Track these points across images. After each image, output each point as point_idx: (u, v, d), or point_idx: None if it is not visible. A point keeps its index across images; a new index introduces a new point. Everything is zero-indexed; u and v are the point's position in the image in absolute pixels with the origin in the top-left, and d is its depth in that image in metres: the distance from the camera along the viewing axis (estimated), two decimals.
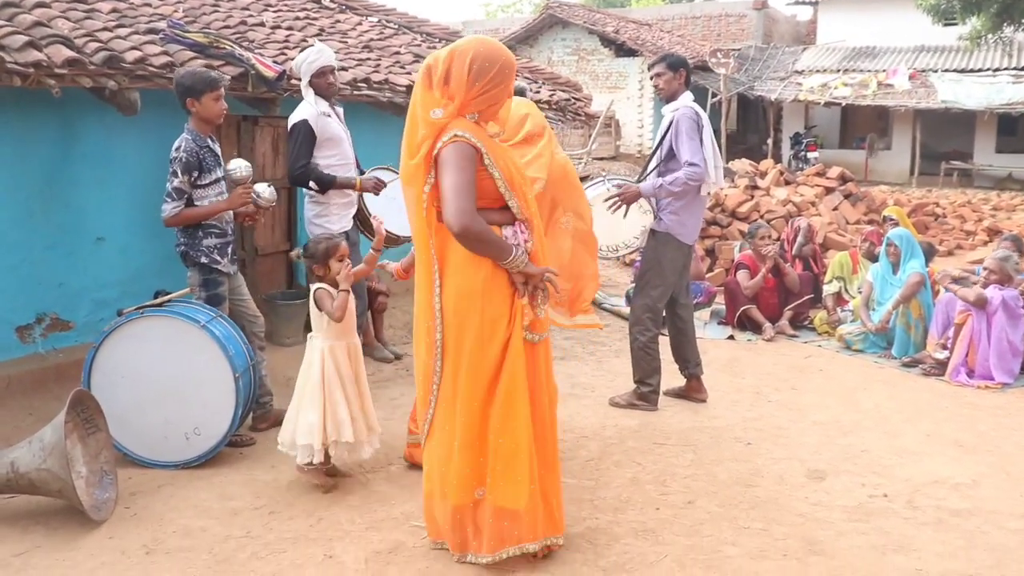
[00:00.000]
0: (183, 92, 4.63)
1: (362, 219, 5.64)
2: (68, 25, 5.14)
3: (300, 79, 5.39)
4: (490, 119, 3.41)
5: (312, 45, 5.59)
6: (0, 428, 4.69)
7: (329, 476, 4.14)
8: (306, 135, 5.22)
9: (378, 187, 5.49)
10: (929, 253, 7.64)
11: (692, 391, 5.63)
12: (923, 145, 21.33)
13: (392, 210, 5.59)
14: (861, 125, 23.83)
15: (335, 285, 4.09)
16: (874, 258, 7.66)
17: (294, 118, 5.30)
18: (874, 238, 7.98)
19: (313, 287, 4.10)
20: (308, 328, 4.24)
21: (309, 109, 5.28)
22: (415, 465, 4.24)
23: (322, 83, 5.32)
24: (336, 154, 5.38)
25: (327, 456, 4.03)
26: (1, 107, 4.89)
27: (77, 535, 3.68)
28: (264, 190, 4.99)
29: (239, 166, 4.90)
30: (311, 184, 5.27)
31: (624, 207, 5.26)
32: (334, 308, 4.01)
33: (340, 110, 5.55)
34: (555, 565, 3.43)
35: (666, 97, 5.34)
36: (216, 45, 5.71)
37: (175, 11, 6.48)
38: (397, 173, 5.88)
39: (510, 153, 3.53)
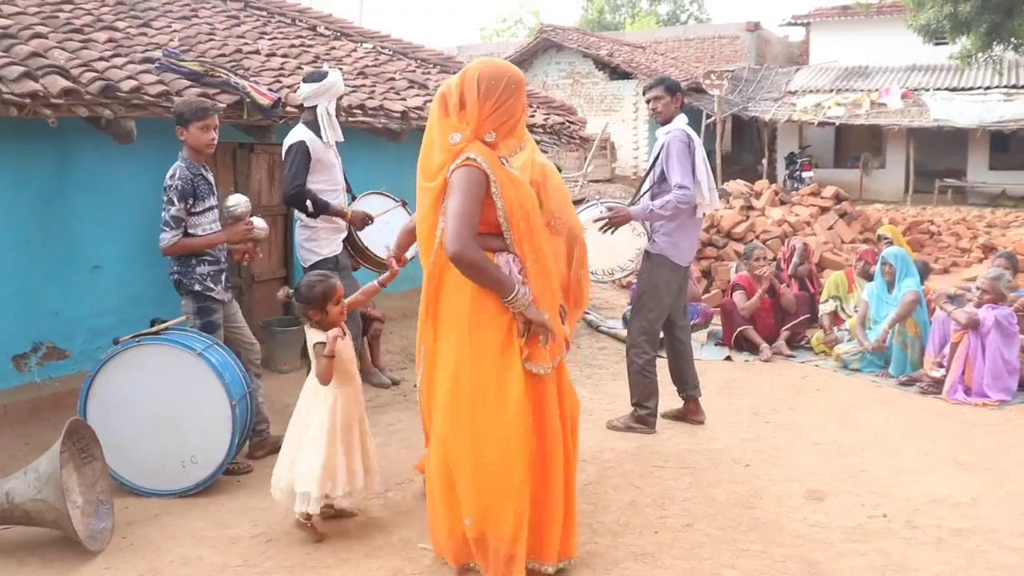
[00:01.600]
0: (175, 120, 4.67)
1: (352, 244, 5.65)
2: (64, 55, 5.17)
3: (307, 100, 5.42)
4: (508, 136, 3.43)
5: (326, 72, 5.58)
6: None
7: (331, 518, 3.99)
8: (303, 155, 5.27)
9: (365, 222, 5.55)
10: (924, 271, 7.65)
11: (690, 413, 5.63)
12: (917, 163, 21.43)
13: (387, 234, 5.61)
14: (855, 144, 23.95)
15: (331, 327, 3.86)
16: (869, 277, 7.68)
17: (290, 139, 5.34)
18: (869, 257, 8.00)
19: (311, 339, 3.85)
20: (305, 354, 4.22)
21: (306, 131, 5.33)
22: None
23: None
24: (327, 179, 5.42)
25: (326, 505, 3.87)
26: None
27: (73, 566, 3.66)
28: (257, 222, 5.01)
29: (239, 202, 4.93)
30: (306, 204, 5.28)
31: (612, 228, 5.28)
32: (320, 373, 3.78)
33: None
34: None
35: (663, 120, 5.37)
36: (211, 74, 5.75)
37: (171, 40, 6.53)
38: (389, 197, 5.95)
39: (522, 187, 3.48)
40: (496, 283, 3.22)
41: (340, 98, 5.55)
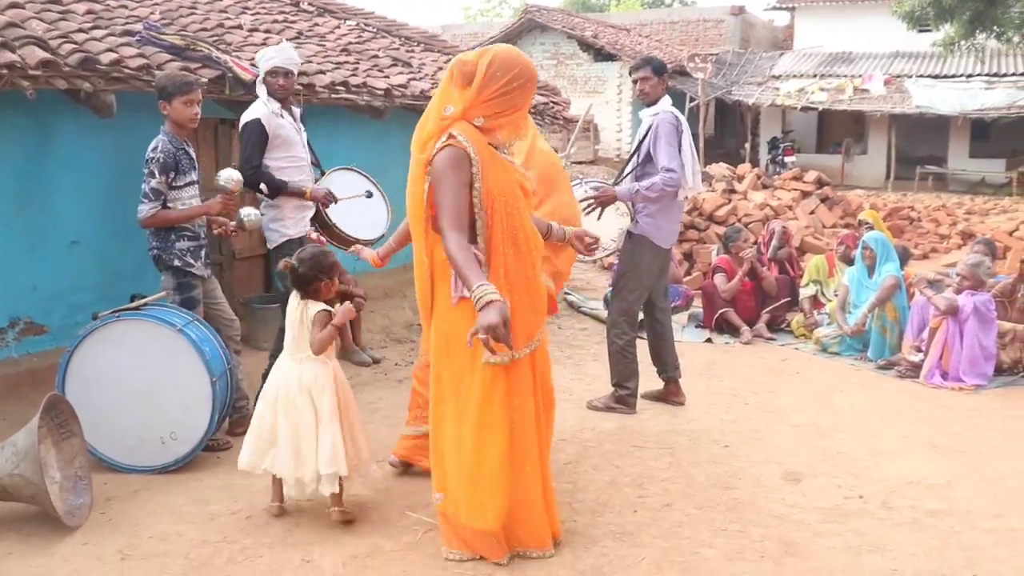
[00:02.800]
0: (158, 94, 4.61)
1: (321, 223, 5.50)
2: (42, 26, 5.10)
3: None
4: (505, 128, 3.38)
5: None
6: None
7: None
8: (258, 134, 5.05)
9: (327, 200, 5.31)
10: (904, 257, 7.71)
11: (670, 394, 5.66)
12: (898, 150, 21.53)
13: (353, 212, 5.51)
14: (837, 130, 24.03)
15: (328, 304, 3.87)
16: (850, 261, 7.73)
17: (246, 116, 5.13)
18: (850, 241, 8.04)
19: (312, 309, 3.81)
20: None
21: (262, 108, 5.11)
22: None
23: (274, 83, 5.14)
24: (288, 156, 5.19)
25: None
26: None
27: (51, 541, 3.65)
28: (251, 214, 4.94)
29: (230, 176, 4.83)
30: (262, 187, 5.12)
31: (599, 209, 5.26)
32: (322, 341, 3.77)
33: (297, 111, 5.39)
34: (532, 568, 3.43)
35: (649, 101, 5.35)
36: (193, 48, 5.68)
37: (151, 13, 6.45)
38: (360, 173, 5.82)
39: (510, 172, 3.43)
40: (463, 278, 3.15)
41: (287, 75, 5.21)
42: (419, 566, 3.45)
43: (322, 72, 6.61)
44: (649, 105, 5.35)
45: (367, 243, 5.58)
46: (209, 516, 3.90)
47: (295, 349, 3.85)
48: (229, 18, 7.32)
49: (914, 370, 6.46)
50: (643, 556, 3.55)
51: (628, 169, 5.49)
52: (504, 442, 3.33)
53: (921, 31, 17.82)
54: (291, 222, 5.22)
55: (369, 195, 5.66)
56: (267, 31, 7.38)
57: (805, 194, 11.66)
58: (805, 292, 7.99)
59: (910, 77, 21.85)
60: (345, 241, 5.47)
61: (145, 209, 4.55)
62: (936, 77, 21.59)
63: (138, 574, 3.41)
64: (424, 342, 4.04)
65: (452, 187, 3.22)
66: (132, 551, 3.58)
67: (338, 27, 8.87)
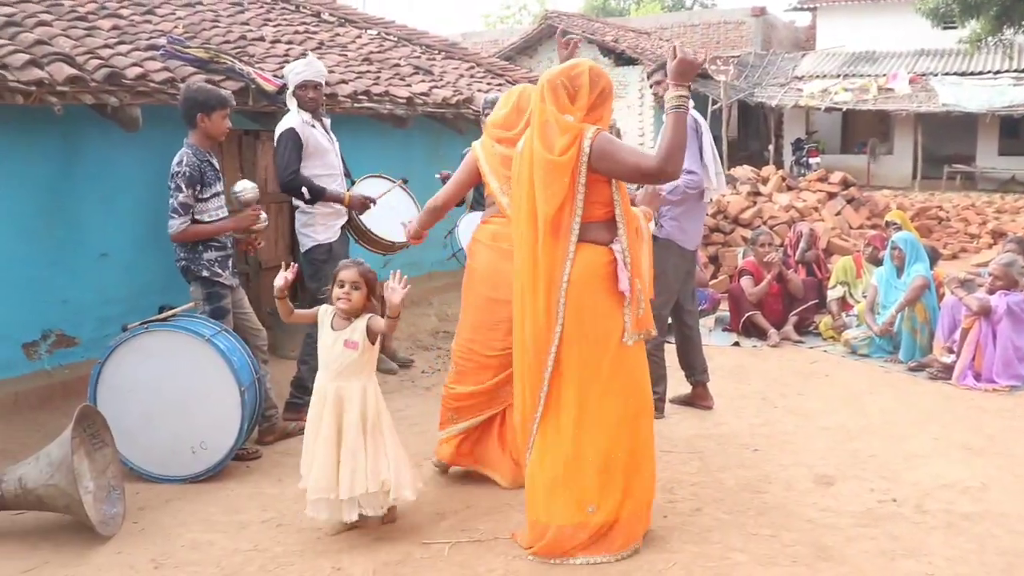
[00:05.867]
0: (194, 106, 4.64)
1: (355, 228, 5.61)
2: (69, 43, 5.17)
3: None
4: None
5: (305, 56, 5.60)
6: (7, 444, 4.69)
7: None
8: (294, 143, 5.19)
9: (365, 206, 5.48)
10: (933, 257, 7.62)
11: (698, 398, 5.62)
12: (925, 149, 21.32)
13: (386, 217, 5.61)
14: (862, 130, 23.84)
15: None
16: (878, 262, 7.65)
17: (281, 127, 5.28)
18: (877, 242, 7.97)
19: (361, 321, 3.73)
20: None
21: (295, 118, 5.26)
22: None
23: (303, 96, 5.28)
24: (321, 164, 5.34)
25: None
26: (3, 125, 4.91)
27: (85, 550, 3.68)
28: (245, 188, 4.97)
29: (246, 187, 4.90)
30: (303, 192, 5.24)
31: None
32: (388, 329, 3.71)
33: (327, 121, 5.52)
34: (563, 573, 3.42)
35: None
36: (216, 60, 5.74)
37: (175, 27, 6.52)
38: (388, 179, 5.92)
39: None
40: (679, 140, 3.44)
41: (317, 88, 5.34)
42: (449, 574, 3.45)
43: (344, 81, 6.66)
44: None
45: (402, 246, 5.70)
46: (240, 525, 3.92)
47: (359, 369, 3.74)
48: (251, 30, 7.38)
49: (946, 371, 6.38)
50: (674, 561, 3.52)
51: None
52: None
53: (946, 28, 17.67)
54: (321, 228, 5.36)
55: (406, 181, 5.79)
56: (289, 42, 7.44)
57: (831, 195, 11.56)
58: (833, 294, 7.91)
59: (936, 75, 21.65)
60: (380, 245, 5.60)
61: (176, 224, 4.59)
62: (963, 74, 21.39)
63: None
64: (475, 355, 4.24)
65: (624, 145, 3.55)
66: (165, 560, 3.60)
67: (359, 37, 8.93)
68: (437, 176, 6.33)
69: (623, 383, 3.53)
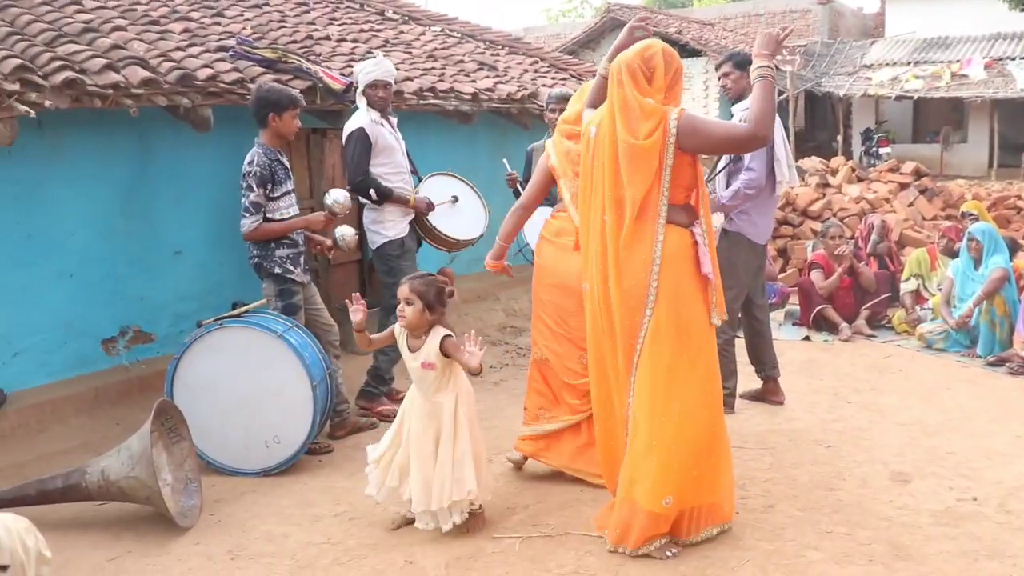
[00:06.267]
0: (266, 106, 4.72)
1: (421, 225, 5.66)
2: (143, 46, 5.30)
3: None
4: None
5: (374, 56, 5.66)
6: (90, 437, 4.85)
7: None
8: (364, 142, 5.26)
9: (429, 208, 5.54)
10: (1013, 248, 7.39)
11: (769, 393, 5.54)
12: (1002, 136, 20.62)
13: (453, 214, 5.66)
14: (934, 118, 23.17)
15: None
16: (953, 254, 7.44)
17: (350, 126, 5.34)
18: (952, 234, 7.74)
19: (442, 332, 3.71)
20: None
21: (364, 117, 5.32)
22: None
23: (373, 95, 5.33)
24: (389, 163, 5.40)
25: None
26: (82, 128, 5.06)
27: (165, 541, 3.78)
28: (346, 234, 5.08)
29: (336, 198, 4.98)
30: (371, 193, 5.31)
31: None
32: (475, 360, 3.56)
33: (394, 120, 5.58)
34: (635, 569, 3.40)
35: (734, 96, 5.28)
36: (284, 60, 5.83)
37: (244, 28, 6.63)
38: (456, 177, 5.95)
39: None
40: (767, 109, 3.49)
41: (387, 87, 5.38)
42: (520, 569, 3.45)
43: (409, 79, 6.70)
44: (734, 100, 5.28)
45: (468, 243, 5.73)
46: (313, 518, 3.99)
47: (444, 385, 3.73)
48: (317, 29, 7.48)
49: None
50: (747, 559, 3.48)
51: (720, 165, 5.40)
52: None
53: None
54: (391, 224, 5.43)
55: (455, 199, 5.79)
56: (354, 41, 7.51)
57: (903, 186, 11.26)
58: (906, 287, 7.71)
59: (1013, 59, 20.91)
60: (445, 242, 5.65)
61: (248, 223, 4.68)
62: None
63: (247, 573, 3.50)
64: (556, 339, 4.23)
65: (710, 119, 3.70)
66: (241, 551, 3.68)
67: (423, 34, 8.98)
68: (506, 176, 6.27)
69: (707, 367, 3.57)
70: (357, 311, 3.76)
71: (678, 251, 3.50)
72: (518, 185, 6.00)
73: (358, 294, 3.83)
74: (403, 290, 3.70)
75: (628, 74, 3.52)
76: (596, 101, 3.91)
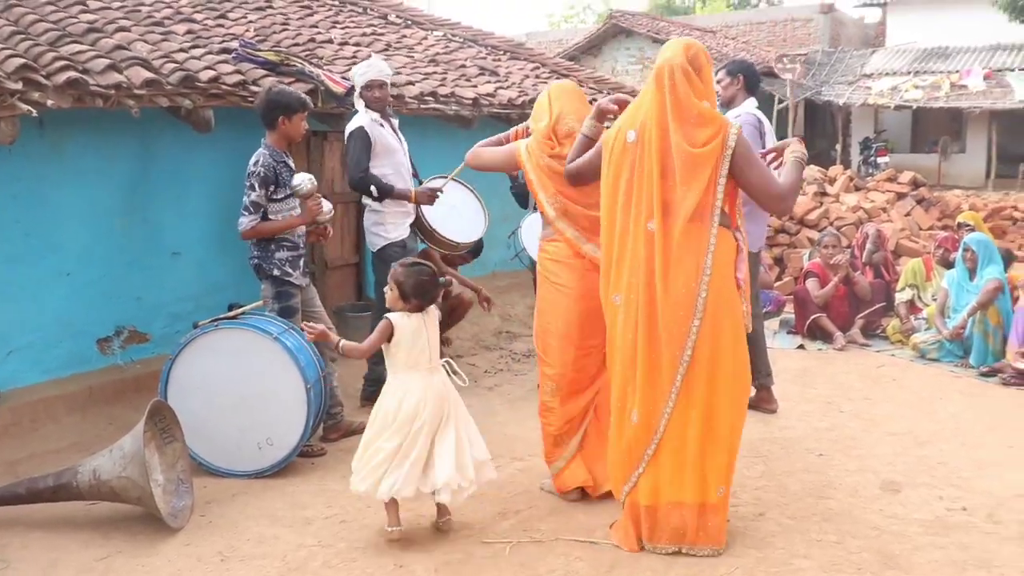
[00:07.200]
0: (276, 108, 4.74)
1: (420, 228, 5.67)
2: (146, 47, 5.32)
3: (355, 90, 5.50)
4: None
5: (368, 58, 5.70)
6: (82, 437, 4.86)
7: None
8: (363, 141, 5.31)
9: (432, 198, 5.51)
10: (1007, 259, 7.41)
11: (762, 401, 5.55)
12: (1000, 147, 20.65)
13: (452, 217, 5.67)
14: (933, 128, 23.19)
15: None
16: (948, 264, 7.47)
17: (351, 126, 5.40)
18: (948, 244, 7.77)
19: (435, 312, 3.86)
20: None
21: (364, 118, 5.37)
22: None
23: (370, 96, 5.39)
24: (391, 162, 5.44)
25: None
26: (84, 127, 5.08)
27: (155, 541, 3.79)
28: (303, 180, 4.97)
29: (304, 180, 4.93)
30: (372, 190, 5.33)
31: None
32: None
33: (395, 121, 5.62)
34: (625, 572, 3.42)
35: (724, 102, 5.30)
36: (286, 62, 5.85)
37: (247, 31, 6.66)
38: (456, 180, 5.92)
39: None
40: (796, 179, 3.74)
41: (383, 86, 5.43)
42: (510, 573, 3.47)
43: (411, 83, 6.73)
44: (726, 106, 5.29)
45: (466, 246, 5.74)
46: (305, 520, 4.00)
47: (428, 361, 3.79)
48: (320, 33, 7.50)
49: (1020, 377, 6.20)
50: (736, 566, 3.50)
51: None
52: None
53: None
54: (392, 226, 5.45)
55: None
56: (357, 44, 7.53)
57: (900, 195, 11.29)
58: (901, 297, 7.74)
59: (1012, 70, 20.94)
60: (445, 245, 5.66)
61: (245, 222, 4.70)
62: None
63: (237, 575, 3.51)
64: (584, 355, 4.13)
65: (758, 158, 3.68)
66: (231, 553, 3.69)
67: (425, 38, 9.01)
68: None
69: (743, 368, 3.62)
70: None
71: (727, 256, 3.53)
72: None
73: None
74: (391, 272, 3.82)
75: (682, 75, 3.48)
76: (576, 156, 3.87)
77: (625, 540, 3.65)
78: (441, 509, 3.83)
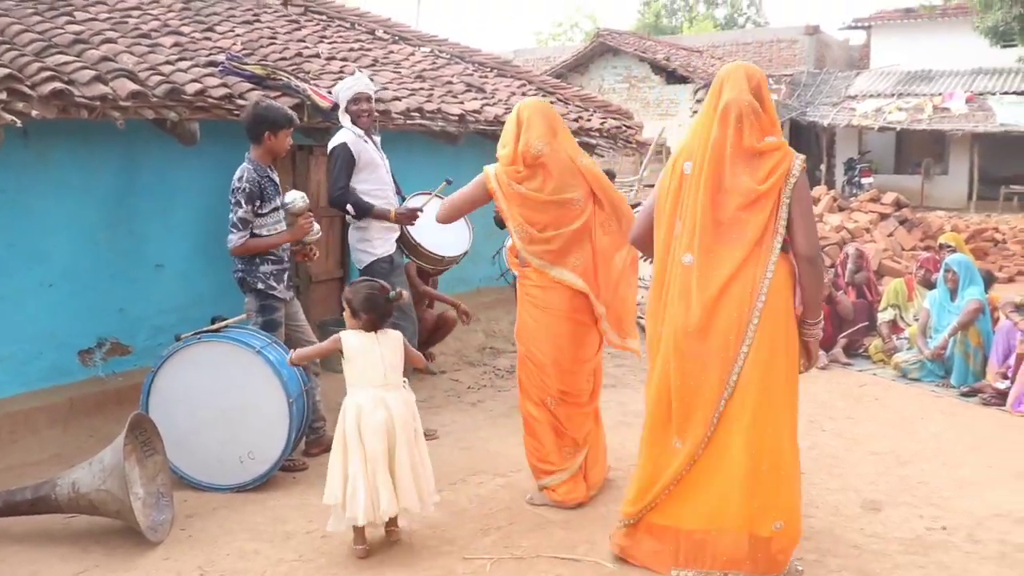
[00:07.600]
0: (262, 123, 4.74)
1: (405, 243, 5.67)
2: (132, 59, 5.30)
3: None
4: None
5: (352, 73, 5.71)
6: (63, 449, 4.82)
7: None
8: (346, 158, 5.30)
9: (412, 218, 5.49)
10: (988, 280, 7.47)
11: None
12: (981, 169, 20.91)
13: (438, 232, 5.64)
14: (916, 150, 23.45)
15: None
16: (930, 285, 7.53)
17: (334, 142, 5.40)
18: (930, 265, 7.83)
19: (393, 332, 3.93)
20: None
21: (348, 134, 5.37)
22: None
23: (356, 110, 5.40)
24: (373, 179, 5.43)
25: None
26: (69, 139, 5.07)
27: (134, 555, 3.76)
28: (296, 198, 4.99)
29: (296, 198, 4.95)
30: (348, 208, 5.33)
31: None
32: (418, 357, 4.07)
33: (377, 138, 5.61)
34: None
35: None
36: (273, 76, 5.85)
37: (234, 44, 6.65)
38: (440, 197, 5.91)
39: None
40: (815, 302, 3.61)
41: (368, 100, 5.47)
42: None
43: (397, 99, 6.74)
44: None
45: (452, 260, 5.74)
46: (285, 535, 3.98)
47: (383, 377, 3.81)
48: (307, 47, 7.51)
49: (1000, 397, 6.25)
50: None
51: None
52: None
53: (1005, 46, 17.36)
54: (378, 242, 5.44)
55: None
56: (344, 59, 7.55)
57: (883, 216, 11.42)
58: (883, 316, 7.79)
59: (993, 94, 21.24)
60: (430, 259, 5.65)
61: (235, 239, 4.69)
62: (1022, 94, 20.93)
63: None
64: (576, 375, 4.26)
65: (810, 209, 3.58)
66: (211, 567, 3.67)
67: (413, 54, 9.03)
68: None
69: (792, 398, 3.61)
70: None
71: (784, 281, 3.48)
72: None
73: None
74: (343, 292, 3.90)
75: (751, 115, 3.44)
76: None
77: (655, 561, 3.56)
78: (391, 524, 3.84)
